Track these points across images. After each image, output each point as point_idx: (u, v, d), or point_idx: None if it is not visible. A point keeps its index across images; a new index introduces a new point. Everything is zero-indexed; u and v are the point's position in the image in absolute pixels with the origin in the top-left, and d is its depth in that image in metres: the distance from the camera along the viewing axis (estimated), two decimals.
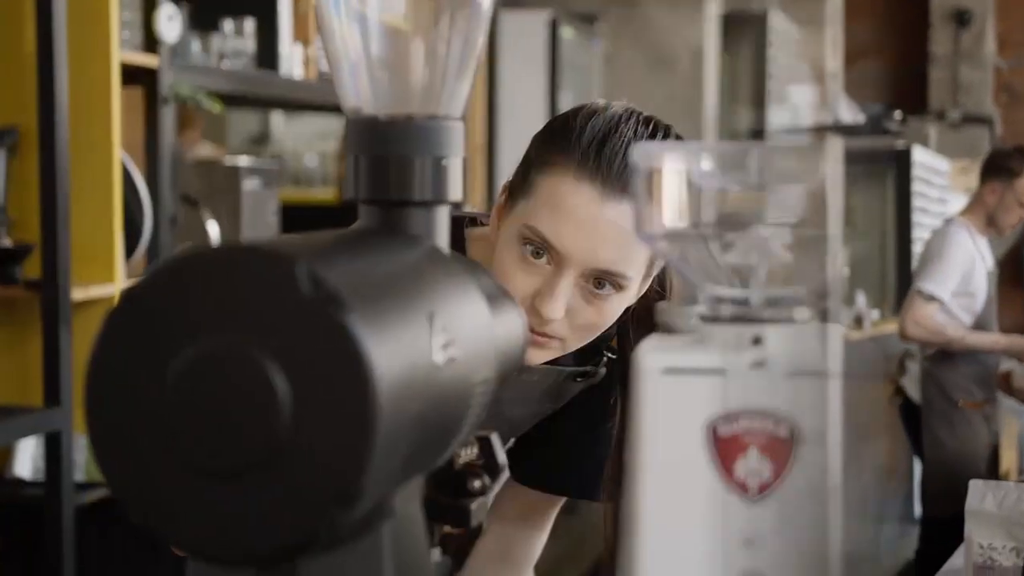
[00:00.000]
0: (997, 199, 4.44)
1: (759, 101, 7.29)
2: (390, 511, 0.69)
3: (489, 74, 4.72)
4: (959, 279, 4.40)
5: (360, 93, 0.79)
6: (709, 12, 5.85)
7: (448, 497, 0.85)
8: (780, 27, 7.48)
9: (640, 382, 0.68)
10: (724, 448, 0.67)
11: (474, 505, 0.86)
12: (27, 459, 2.85)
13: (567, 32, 5.08)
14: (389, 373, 0.61)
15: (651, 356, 0.68)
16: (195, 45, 3.08)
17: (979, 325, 4.42)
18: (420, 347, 0.66)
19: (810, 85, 6.28)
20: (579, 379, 1.46)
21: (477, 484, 0.86)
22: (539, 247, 1.27)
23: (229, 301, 0.61)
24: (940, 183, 7.41)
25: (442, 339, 0.68)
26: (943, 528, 4.32)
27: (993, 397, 4.52)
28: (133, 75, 2.79)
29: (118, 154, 2.64)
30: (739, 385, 0.67)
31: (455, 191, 0.79)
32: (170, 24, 2.81)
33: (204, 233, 3.03)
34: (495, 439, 0.86)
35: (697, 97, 5.79)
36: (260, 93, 3.33)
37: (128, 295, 0.62)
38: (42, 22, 2.44)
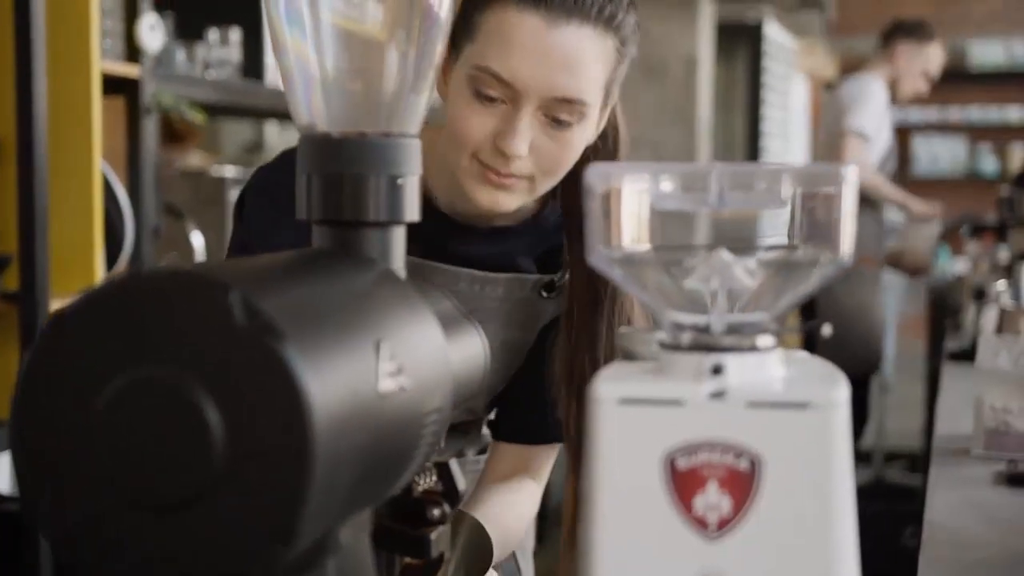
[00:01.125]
0: (906, 61, 4.49)
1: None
2: (335, 545, 0.67)
3: None
4: (877, 120, 4.43)
5: (313, 110, 0.76)
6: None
7: (407, 527, 0.83)
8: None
9: (596, 412, 0.66)
10: (682, 482, 0.64)
11: (434, 535, 0.83)
12: (5, 473, 2.82)
13: None
14: (328, 404, 0.58)
15: (607, 385, 0.66)
16: (180, 54, 3.06)
17: (880, 171, 4.46)
18: (364, 376, 0.63)
19: None
20: (545, 293, 1.42)
21: (436, 512, 0.83)
22: (491, 88, 1.25)
23: (162, 329, 0.58)
24: (787, 61, 7.51)
25: (390, 367, 0.66)
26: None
27: (883, 257, 4.58)
28: (116, 85, 2.76)
29: (99, 164, 2.60)
30: (698, 416, 0.64)
31: (411, 211, 0.77)
32: (152, 34, 2.78)
33: (188, 244, 3.00)
34: (454, 465, 0.84)
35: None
36: (245, 103, 3.30)
37: (58, 320, 0.59)
38: (21, 30, 2.41)
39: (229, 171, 3.34)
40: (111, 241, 2.68)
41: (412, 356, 0.69)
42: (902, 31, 4.56)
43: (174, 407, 0.57)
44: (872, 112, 4.41)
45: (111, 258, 2.70)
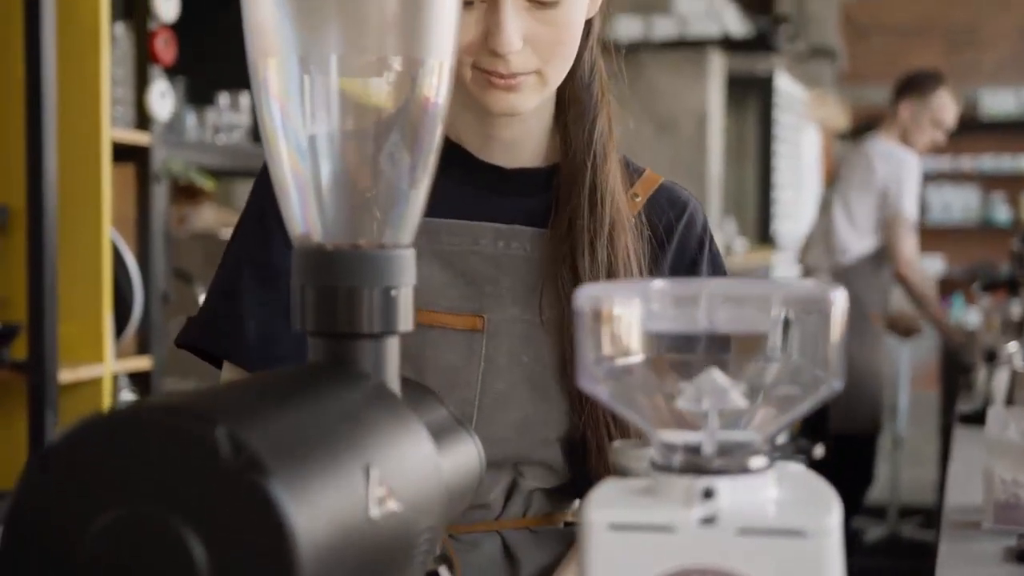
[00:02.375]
0: (911, 116, 4.49)
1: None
2: None
3: None
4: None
5: (308, 220, 0.76)
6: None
7: None
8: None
9: (586, 537, 0.65)
10: None
11: None
12: None
13: None
14: (315, 538, 0.58)
15: (598, 511, 0.65)
16: (190, 119, 3.08)
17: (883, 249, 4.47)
18: (353, 504, 0.63)
19: None
20: None
21: None
22: None
23: (147, 465, 0.58)
24: (798, 111, 7.55)
25: (380, 491, 0.65)
26: (850, 443, 4.31)
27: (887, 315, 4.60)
28: (126, 152, 2.78)
29: (108, 233, 2.62)
30: (689, 543, 0.64)
31: (405, 321, 0.76)
32: (163, 101, 2.80)
33: (197, 308, 3.00)
34: (444, 573, 0.83)
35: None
36: (255, 167, 3.32)
37: (43, 456, 0.59)
38: (32, 100, 2.43)
39: None
40: (120, 308, 2.69)
41: (403, 476, 0.68)
42: (905, 87, 4.58)
43: (160, 544, 0.57)
44: (916, 190, 4.45)
45: (120, 325, 2.71)
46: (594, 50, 1.33)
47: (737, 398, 0.67)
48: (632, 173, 1.36)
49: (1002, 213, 9.69)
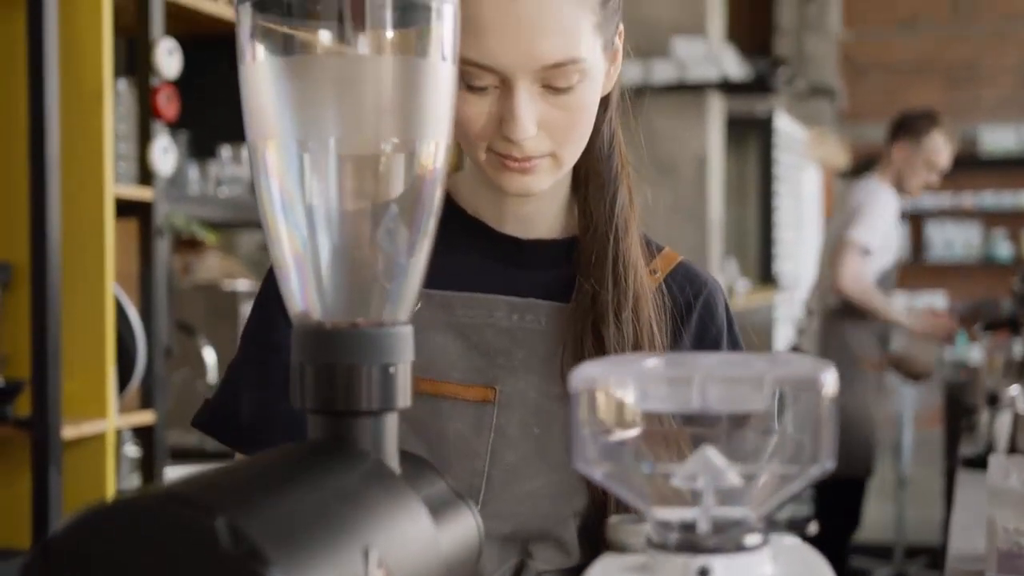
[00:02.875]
0: (904, 158, 4.50)
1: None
2: None
3: None
4: (883, 234, 4.42)
5: (307, 300, 0.77)
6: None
7: None
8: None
9: None
10: None
11: None
12: None
13: None
14: None
15: None
16: (192, 172, 3.10)
17: (881, 284, 4.44)
18: None
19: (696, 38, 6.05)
20: None
21: None
22: (478, 78, 1.16)
23: (148, 554, 0.59)
24: (798, 151, 7.57)
25: (379, 574, 0.66)
26: (839, 491, 4.27)
27: (885, 360, 4.56)
28: (129, 206, 2.80)
29: (111, 289, 2.63)
30: None
31: (404, 398, 0.77)
32: (165, 156, 2.82)
33: (200, 360, 3.02)
34: None
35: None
36: (256, 219, 3.34)
37: (44, 547, 0.60)
38: (35, 156, 2.45)
39: (242, 285, 3.37)
40: (123, 363, 2.70)
41: (401, 555, 0.69)
42: (900, 128, 4.58)
43: None
44: (878, 227, 4.41)
45: (123, 380, 2.71)
46: (612, 122, 1.33)
47: (732, 476, 0.67)
48: (652, 249, 1.36)
49: (1004, 249, 9.71)
